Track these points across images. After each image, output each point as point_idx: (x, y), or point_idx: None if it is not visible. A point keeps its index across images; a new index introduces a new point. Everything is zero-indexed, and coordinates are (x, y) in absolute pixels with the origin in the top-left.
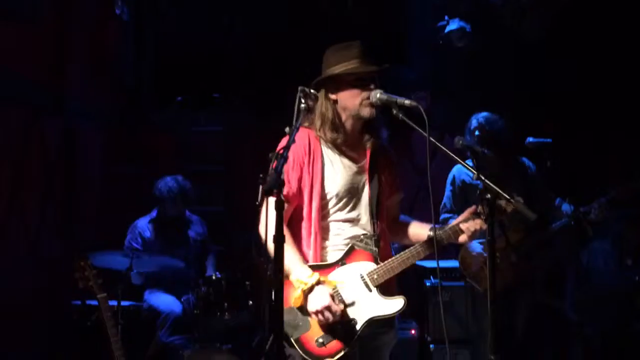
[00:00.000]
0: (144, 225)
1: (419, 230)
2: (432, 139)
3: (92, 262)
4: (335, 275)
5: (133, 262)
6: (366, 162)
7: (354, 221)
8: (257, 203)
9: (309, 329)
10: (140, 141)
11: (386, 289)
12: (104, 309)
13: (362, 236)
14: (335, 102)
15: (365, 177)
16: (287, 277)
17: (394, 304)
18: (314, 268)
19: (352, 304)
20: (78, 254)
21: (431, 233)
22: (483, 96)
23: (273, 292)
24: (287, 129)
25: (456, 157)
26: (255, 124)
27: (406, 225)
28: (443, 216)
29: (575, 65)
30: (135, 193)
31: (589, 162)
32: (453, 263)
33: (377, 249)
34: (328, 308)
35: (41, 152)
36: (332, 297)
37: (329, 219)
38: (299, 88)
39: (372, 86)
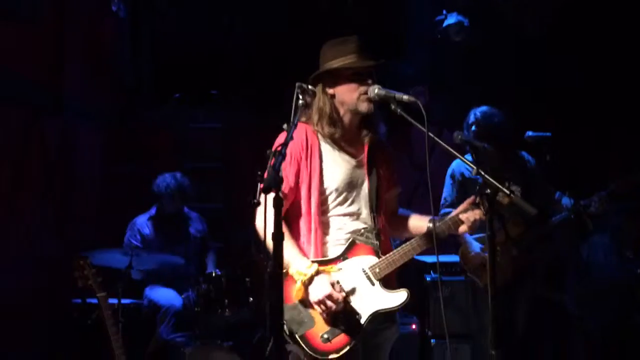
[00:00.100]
0: (143, 222)
1: (418, 223)
2: (430, 134)
3: (91, 260)
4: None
5: (133, 260)
6: (364, 156)
7: (354, 215)
8: (254, 201)
9: (313, 325)
10: (139, 140)
11: (387, 282)
12: (104, 307)
13: (362, 230)
14: (333, 96)
15: (364, 171)
16: (287, 270)
17: (398, 297)
18: (316, 263)
19: (356, 297)
20: (77, 254)
21: (431, 225)
22: (482, 91)
23: (273, 290)
24: (284, 126)
25: (455, 152)
26: (253, 121)
27: (406, 218)
28: (443, 210)
29: (577, 60)
30: (134, 192)
31: (590, 157)
32: (453, 258)
33: (378, 243)
34: (329, 296)
35: (41, 152)
36: (333, 285)
37: (329, 214)
38: (297, 84)
39: (369, 81)
